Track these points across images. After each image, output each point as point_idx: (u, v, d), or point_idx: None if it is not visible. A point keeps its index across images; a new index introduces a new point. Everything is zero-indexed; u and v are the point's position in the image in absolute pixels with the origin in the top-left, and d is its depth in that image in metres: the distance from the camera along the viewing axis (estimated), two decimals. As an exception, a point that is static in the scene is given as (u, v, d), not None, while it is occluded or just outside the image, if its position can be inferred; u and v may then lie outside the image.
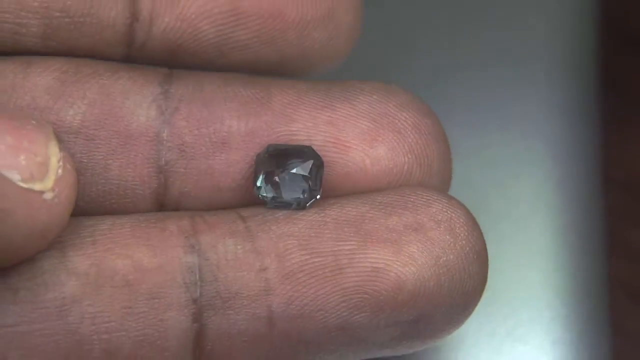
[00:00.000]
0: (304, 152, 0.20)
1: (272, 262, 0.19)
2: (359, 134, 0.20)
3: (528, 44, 0.28)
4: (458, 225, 0.20)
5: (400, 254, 0.19)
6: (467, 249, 0.20)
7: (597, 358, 0.25)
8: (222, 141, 0.20)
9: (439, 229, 0.19)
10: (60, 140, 0.18)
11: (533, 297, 0.26)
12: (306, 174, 0.20)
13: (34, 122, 0.18)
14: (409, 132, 0.20)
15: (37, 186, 0.17)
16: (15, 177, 0.17)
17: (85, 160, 0.20)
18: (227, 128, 0.20)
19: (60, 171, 0.18)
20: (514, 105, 0.28)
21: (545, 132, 0.28)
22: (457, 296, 0.19)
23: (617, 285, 0.30)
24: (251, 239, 0.19)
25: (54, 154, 0.18)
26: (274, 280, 0.19)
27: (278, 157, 0.20)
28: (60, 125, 0.20)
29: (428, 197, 0.20)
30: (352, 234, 0.19)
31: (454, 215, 0.20)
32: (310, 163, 0.19)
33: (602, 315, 0.26)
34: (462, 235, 0.20)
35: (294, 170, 0.20)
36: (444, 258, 0.19)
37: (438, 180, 0.20)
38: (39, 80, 0.20)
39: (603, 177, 0.28)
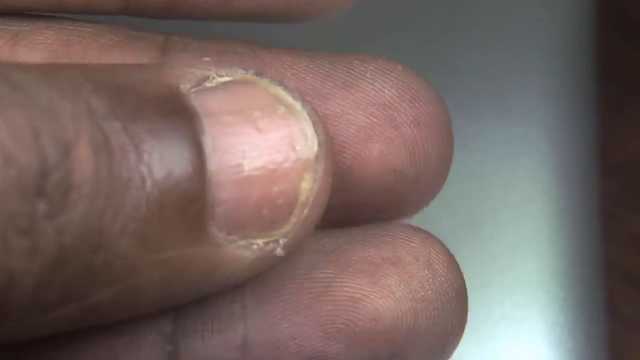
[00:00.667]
0: None
1: (248, 286, 0.19)
2: (353, 133, 0.19)
3: (525, 29, 0.29)
4: (437, 262, 0.19)
5: (377, 286, 0.19)
6: (446, 285, 0.19)
7: (593, 340, 0.26)
8: None
9: (417, 263, 0.19)
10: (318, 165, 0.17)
11: (529, 281, 0.26)
12: None
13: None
14: (406, 127, 0.19)
15: (273, 238, 0.16)
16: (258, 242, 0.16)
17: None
18: None
19: (306, 211, 0.17)
20: (511, 91, 0.28)
21: (542, 118, 0.28)
22: (435, 335, 0.19)
23: (613, 269, 0.31)
24: None
25: (304, 190, 0.17)
26: (249, 306, 0.18)
27: None
28: None
29: (407, 232, 0.19)
30: (328, 263, 0.19)
31: (432, 251, 0.19)
32: None
33: (598, 298, 0.26)
34: (440, 271, 0.19)
35: None
36: (422, 293, 0.19)
37: (433, 173, 0.20)
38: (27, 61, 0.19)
39: (600, 162, 0.28)
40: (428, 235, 0.20)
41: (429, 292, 0.19)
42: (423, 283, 0.19)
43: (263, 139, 0.16)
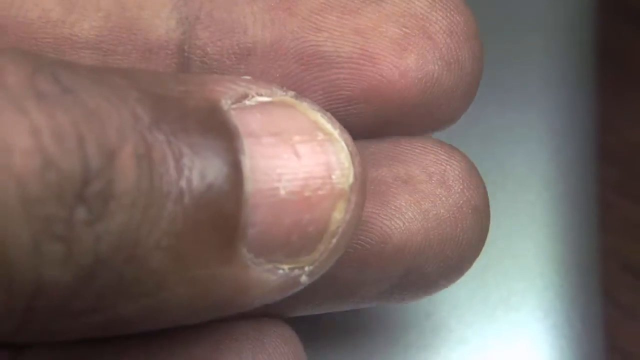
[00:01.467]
0: None
1: None
2: (387, 44, 0.19)
3: (525, 14, 0.28)
4: (452, 178, 0.19)
5: (386, 207, 0.18)
6: (461, 202, 0.19)
7: (589, 327, 0.26)
8: (246, 52, 0.19)
9: (430, 181, 0.19)
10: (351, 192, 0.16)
11: (526, 267, 0.26)
12: None
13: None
14: (440, 36, 0.19)
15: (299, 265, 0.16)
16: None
17: None
18: (251, 38, 0.19)
19: (334, 241, 0.16)
20: (510, 77, 0.28)
21: (541, 104, 0.28)
22: (450, 250, 0.19)
23: (610, 256, 0.31)
24: None
25: (336, 220, 0.16)
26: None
27: None
28: (75, 40, 0.18)
29: (423, 147, 0.19)
30: None
31: (448, 167, 0.19)
32: None
33: (594, 285, 0.26)
34: (455, 188, 0.19)
35: None
36: (434, 212, 0.19)
37: (467, 82, 0.19)
38: None
39: (598, 149, 0.28)
40: (447, 149, 0.19)
41: (442, 211, 0.19)
42: (435, 202, 0.19)
43: (301, 164, 0.16)
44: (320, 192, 0.16)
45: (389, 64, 0.19)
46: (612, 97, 0.32)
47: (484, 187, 0.19)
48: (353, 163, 0.16)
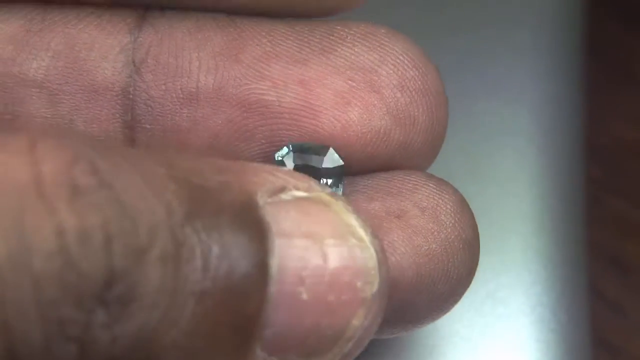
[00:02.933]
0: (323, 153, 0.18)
1: None
2: (331, 97, 0.19)
3: (514, 9, 0.28)
4: (444, 213, 0.19)
5: None
6: (453, 237, 0.19)
7: (576, 321, 0.26)
8: (189, 97, 0.19)
9: (422, 216, 0.19)
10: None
11: (513, 261, 0.26)
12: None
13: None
14: (388, 91, 0.19)
15: None
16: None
17: (49, 116, 0.19)
18: (195, 83, 0.19)
19: (349, 346, 0.16)
20: (499, 71, 0.28)
21: (530, 98, 0.28)
22: (441, 285, 0.19)
23: (597, 251, 0.31)
24: None
25: (353, 327, 0.16)
26: None
27: (297, 169, 0.18)
28: (23, 78, 0.18)
29: (415, 182, 0.19)
30: None
31: (441, 201, 0.19)
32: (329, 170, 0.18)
33: (581, 279, 0.27)
34: (447, 223, 0.19)
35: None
36: (426, 247, 0.18)
37: (425, 137, 0.19)
38: (4, 28, 0.18)
39: (586, 144, 0.28)
40: (439, 183, 0.19)
41: (434, 246, 0.19)
42: (427, 237, 0.19)
43: (328, 269, 0.15)
44: (342, 298, 0.16)
45: (331, 117, 0.18)
46: (600, 92, 0.33)
47: (474, 221, 0.19)
48: (380, 271, 0.16)
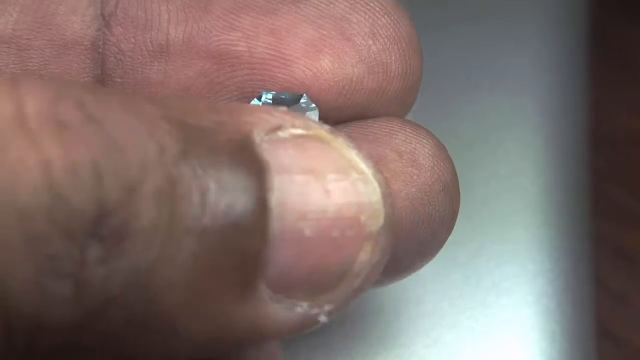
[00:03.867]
0: (298, 101, 0.18)
1: None
2: (302, 46, 0.18)
3: (517, 1, 0.28)
4: (422, 156, 0.19)
5: None
6: (432, 180, 0.19)
7: (580, 312, 0.26)
8: (159, 49, 0.18)
9: (400, 160, 0.18)
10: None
11: (518, 252, 0.26)
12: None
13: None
14: (359, 38, 0.18)
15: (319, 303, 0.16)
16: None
17: (19, 71, 0.18)
18: (165, 35, 0.18)
19: (357, 282, 0.16)
20: (503, 62, 0.28)
21: (534, 90, 0.28)
22: (423, 229, 0.19)
23: (601, 242, 0.31)
24: None
25: (360, 262, 0.16)
26: None
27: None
28: None
29: (392, 128, 0.19)
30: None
31: (418, 145, 0.19)
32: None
33: (585, 270, 0.27)
34: (426, 166, 0.19)
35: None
36: (406, 191, 0.18)
37: (398, 85, 0.19)
38: None
39: (590, 135, 0.28)
40: (415, 128, 0.19)
41: (413, 189, 0.18)
42: (406, 181, 0.18)
43: (330, 204, 0.15)
44: (347, 234, 0.15)
45: (302, 66, 0.18)
46: (604, 83, 0.33)
47: (453, 165, 0.19)
48: (384, 204, 0.16)
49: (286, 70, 0.18)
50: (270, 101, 0.18)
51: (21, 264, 0.13)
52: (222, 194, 0.14)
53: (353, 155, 0.16)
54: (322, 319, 0.16)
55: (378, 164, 0.18)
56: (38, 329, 0.13)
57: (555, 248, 0.26)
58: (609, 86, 0.33)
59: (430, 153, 0.19)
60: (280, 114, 0.16)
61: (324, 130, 0.16)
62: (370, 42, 0.18)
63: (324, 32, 0.18)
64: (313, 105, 0.18)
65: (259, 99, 0.18)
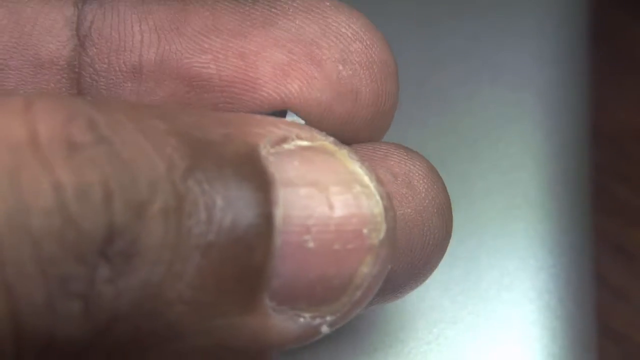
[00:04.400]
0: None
1: None
2: (270, 70, 0.18)
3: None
4: (416, 178, 0.19)
5: None
6: (426, 202, 0.19)
7: (581, 308, 0.26)
8: (131, 70, 0.19)
9: (395, 182, 0.19)
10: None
11: (519, 247, 0.26)
12: None
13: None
14: (329, 63, 0.18)
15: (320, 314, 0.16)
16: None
17: None
18: (137, 57, 0.19)
19: (358, 294, 0.16)
20: (504, 57, 0.28)
21: (536, 85, 0.28)
22: (417, 251, 0.19)
23: (602, 238, 0.31)
24: None
25: (362, 274, 0.16)
26: None
27: None
28: None
29: (386, 150, 0.19)
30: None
31: (412, 167, 0.19)
32: None
33: (586, 266, 0.27)
34: (420, 188, 0.19)
35: None
36: (401, 212, 0.18)
37: (369, 111, 0.19)
38: None
39: (592, 131, 0.28)
40: (408, 151, 0.19)
41: (408, 210, 0.19)
42: (401, 202, 0.19)
43: (334, 216, 0.15)
44: (349, 246, 0.16)
45: (270, 90, 0.18)
46: (605, 78, 0.32)
47: (445, 188, 0.19)
48: (386, 218, 0.16)
49: (254, 94, 0.18)
50: None
51: (33, 285, 0.13)
52: (228, 209, 0.14)
53: (357, 168, 0.16)
54: (324, 329, 0.16)
55: None
56: (47, 346, 0.13)
57: (556, 244, 0.26)
58: (610, 81, 0.33)
59: (424, 175, 0.19)
60: (287, 126, 0.16)
61: (329, 142, 0.16)
62: (340, 67, 0.18)
63: (294, 57, 0.18)
64: (303, 121, 0.18)
65: None
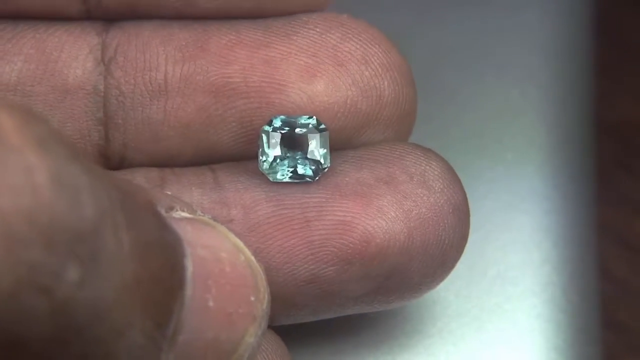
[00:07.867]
0: (308, 126, 0.19)
1: (238, 214, 0.19)
2: (296, 71, 0.19)
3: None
4: (432, 178, 0.19)
5: (369, 207, 0.19)
6: (442, 201, 0.19)
7: (585, 300, 0.26)
8: (158, 89, 0.19)
9: (411, 181, 0.19)
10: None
11: (524, 241, 0.26)
12: (318, 158, 0.19)
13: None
14: (352, 64, 0.19)
15: None
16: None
17: None
18: (163, 75, 0.19)
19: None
20: (508, 50, 0.28)
21: (539, 78, 0.28)
22: (433, 250, 0.19)
23: (607, 231, 0.31)
24: (219, 189, 0.19)
25: (245, 344, 0.16)
26: (239, 232, 0.18)
27: (284, 138, 0.19)
28: None
29: (402, 150, 0.19)
30: (320, 187, 0.19)
31: (428, 167, 0.19)
32: (318, 141, 0.18)
33: (591, 259, 0.27)
34: (436, 187, 0.19)
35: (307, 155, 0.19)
36: (416, 211, 0.19)
37: (392, 111, 0.19)
38: None
39: (595, 123, 0.28)
40: (425, 151, 0.19)
41: (424, 210, 0.19)
42: (417, 201, 0.19)
43: (228, 279, 0.16)
44: (240, 311, 0.16)
45: (297, 89, 0.19)
46: (609, 71, 0.32)
47: (463, 188, 0.20)
48: (266, 293, 0.17)
49: (281, 95, 0.19)
50: (280, 123, 0.19)
51: (2, 267, 0.12)
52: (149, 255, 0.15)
53: (237, 241, 0.17)
54: None
55: (389, 184, 0.19)
56: (10, 343, 0.13)
57: (560, 236, 0.26)
58: (614, 74, 0.33)
59: (440, 175, 0.19)
60: (171, 197, 0.17)
61: (207, 218, 0.17)
62: (363, 67, 0.19)
63: (318, 59, 0.19)
64: (323, 126, 0.19)
65: (269, 124, 0.19)
